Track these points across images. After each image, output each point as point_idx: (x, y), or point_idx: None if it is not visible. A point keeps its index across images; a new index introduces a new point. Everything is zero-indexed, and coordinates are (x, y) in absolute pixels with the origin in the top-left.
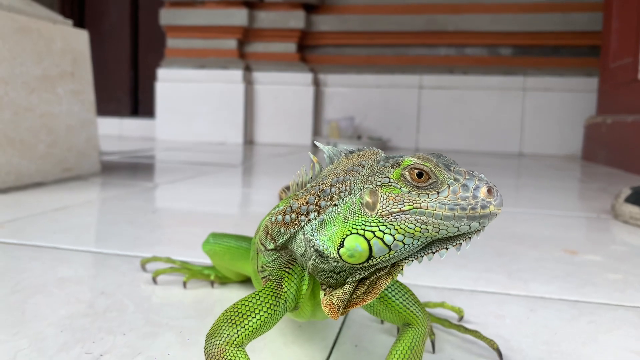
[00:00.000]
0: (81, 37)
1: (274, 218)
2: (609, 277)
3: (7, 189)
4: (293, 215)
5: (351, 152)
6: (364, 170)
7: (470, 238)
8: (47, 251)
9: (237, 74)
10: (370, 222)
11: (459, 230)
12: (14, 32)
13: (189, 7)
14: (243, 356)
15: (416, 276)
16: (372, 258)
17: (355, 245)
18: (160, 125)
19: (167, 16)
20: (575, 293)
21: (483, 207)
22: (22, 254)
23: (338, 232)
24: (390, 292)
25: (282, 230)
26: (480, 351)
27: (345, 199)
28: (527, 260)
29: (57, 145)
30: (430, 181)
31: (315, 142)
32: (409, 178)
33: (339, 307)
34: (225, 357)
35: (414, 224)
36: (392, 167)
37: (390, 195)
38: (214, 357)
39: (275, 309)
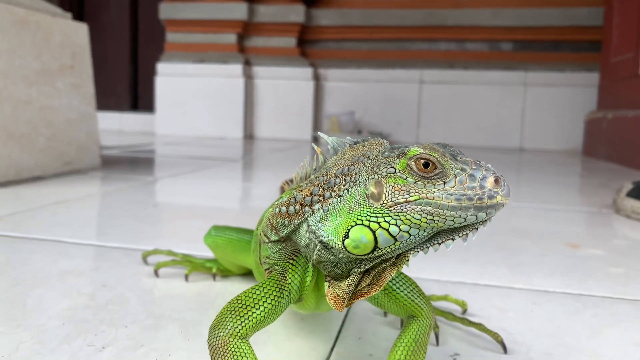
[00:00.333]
0: (81, 31)
1: (277, 209)
2: (611, 271)
3: (7, 183)
4: (297, 207)
5: (356, 143)
6: (369, 161)
7: (476, 229)
8: (48, 244)
9: (237, 69)
10: (375, 213)
11: (465, 220)
12: (13, 25)
13: (188, 1)
14: (247, 348)
15: (419, 269)
16: (377, 249)
17: (360, 237)
18: (160, 120)
19: (167, 10)
20: (578, 287)
21: (490, 197)
22: (23, 247)
23: (343, 223)
24: (394, 284)
25: (286, 222)
26: (484, 344)
27: (350, 189)
28: (529, 254)
29: (57, 139)
30: (437, 171)
31: (319, 134)
32: (415, 168)
33: (344, 298)
34: (229, 348)
35: (420, 215)
36: (398, 158)
37: (395, 185)
38: (217, 348)
39: (279, 300)
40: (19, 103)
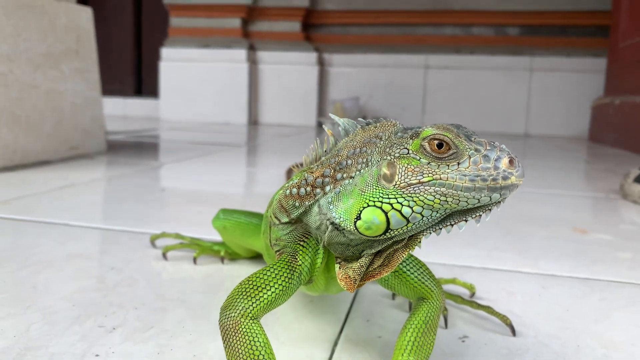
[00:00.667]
0: (85, 15)
1: (288, 191)
2: (618, 256)
3: (14, 167)
4: (308, 188)
5: (368, 124)
6: (382, 142)
7: (490, 210)
8: (55, 227)
9: (241, 54)
10: (388, 194)
11: (479, 201)
12: (18, 8)
13: None
14: (258, 328)
15: (425, 253)
16: (389, 230)
17: (372, 218)
18: (164, 105)
19: None
20: (586, 271)
21: (504, 178)
22: (31, 230)
23: (355, 205)
24: (405, 266)
25: (297, 204)
26: (492, 327)
27: (362, 171)
28: (536, 238)
29: (63, 123)
30: (451, 152)
31: (331, 115)
32: (428, 149)
33: (355, 280)
34: (240, 329)
35: (433, 196)
36: (411, 138)
37: (409, 166)
38: (229, 329)
39: (289, 281)
40: (25, 87)
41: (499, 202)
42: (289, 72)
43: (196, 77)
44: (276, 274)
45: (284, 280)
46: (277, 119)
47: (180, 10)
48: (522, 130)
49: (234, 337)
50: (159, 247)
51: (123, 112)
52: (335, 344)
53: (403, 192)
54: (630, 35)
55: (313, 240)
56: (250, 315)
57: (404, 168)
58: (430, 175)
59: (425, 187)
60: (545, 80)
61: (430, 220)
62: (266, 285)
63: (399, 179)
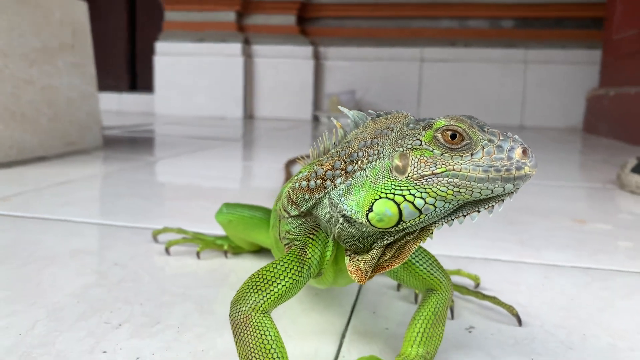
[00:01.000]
0: (80, 8)
1: (297, 184)
2: (619, 245)
3: (11, 163)
4: (318, 181)
5: (378, 116)
6: (393, 134)
7: (502, 200)
8: (56, 224)
9: (236, 47)
10: (400, 186)
11: (492, 192)
12: (12, 2)
13: None
14: (269, 322)
15: (428, 245)
16: (401, 222)
17: (384, 210)
18: (159, 100)
19: None
20: (588, 260)
21: (518, 168)
22: (32, 226)
23: (366, 197)
24: (414, 258)
25: (307, 197)
26: (498, 317)
27: (373, 163)
28: (537, 229)
29: (59, 118)
30: (464, 143)
31: (340, 107)
32: (441, 140)
33: (367, 272)
34: (252, 323)
35: (447, 187)
36: (424, 130)
37: (421, 158)
38: (240, 323)
39: (299, 275)
40: (20, 82)
41: (512, 192)
42: (285, 65)
43: (191, 72)
44: (286, 267)
45: (294, 274)
46: (272, 112)
47: (175, 4)
48: (517, 122)
49: (245, 331)
50: (162, 242)
51: (118, 107)
52: (343, 336)
53: (416, 183)
54: (625, 28)
55: (322, 233)
56: (261, 309)
57: (416, 159)
58: (443, 166)
59: (439, 179)
60: (540, 73)
61: (442, 211)
62: (276, 278)
63: (412, 171)
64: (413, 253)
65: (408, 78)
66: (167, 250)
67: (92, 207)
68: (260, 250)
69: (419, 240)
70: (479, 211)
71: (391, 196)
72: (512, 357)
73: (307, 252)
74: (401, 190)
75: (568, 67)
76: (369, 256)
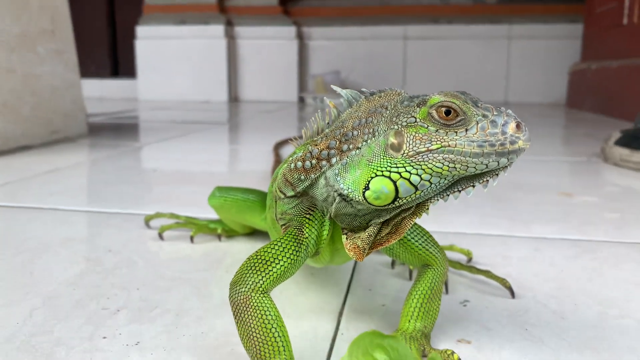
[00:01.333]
0: None
1: (293, 165)
2: (606, 217)
3: None
4: (313, 161)
5: (372, 94)
6: (387, 112)
7: (497, 175)
8: (46, 212)
9: (218, 29)
10: (396, 163)
11: (487, 167)
12: None
13: None
14: (269, 302)
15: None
16: (398, 199)
17: (381, 187)
18: (142, 85)
19: None
20: (576, 232)
21: (512, 142)
22: (21, 216)
23: (363, 175)
24: (409, 234)
25: (303, 177)
26: (491, 290)
27: (368, 141)
28: (525, 204)
29: (42, 107)
30: (459, 118)
31: (333, 87)
32: (436, 116)
33: (364, 249)
34: (251, 303)
35: (442, 163)
36: (418, 107)
37: (417, 135)
38: (240, 304)
39: (297, 254)
40: (1, 70)
41: (507, 166)
42: (268, 47)
43: (173, 55)
44: (284, 248)
45: (292, 254)
46: (257, 95)
47: None
48: (502, 98)
49: (246, 312)
50: (154, 227)
51: (100, 93)
52: (341, 314)
53: (411, 160)
54: (606, 1)
55: (319, 213)
56: (260, 289)
57: (411, 136)
58: (438, 142)
59: (434, 155)
60: (523, 48)
61: (438, 187)
62: (275, 259)
63: (407, 148)
64: (408, 230)
65: (392, 56)
66: (160, 236)
67: (80, 194)
68: (253, 233)
69: (415, 217)
70: (473, 186)
71: (387, 174)
72: (507, 328)
73: (304, 232)
74: (397, 167)
75: (551, 42)
76: (366, 234)
